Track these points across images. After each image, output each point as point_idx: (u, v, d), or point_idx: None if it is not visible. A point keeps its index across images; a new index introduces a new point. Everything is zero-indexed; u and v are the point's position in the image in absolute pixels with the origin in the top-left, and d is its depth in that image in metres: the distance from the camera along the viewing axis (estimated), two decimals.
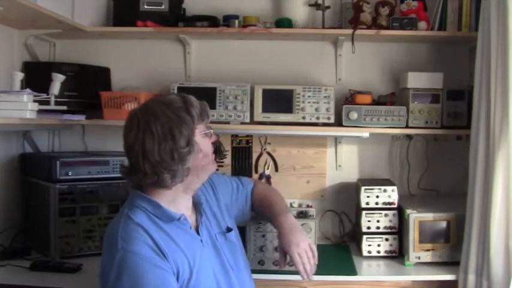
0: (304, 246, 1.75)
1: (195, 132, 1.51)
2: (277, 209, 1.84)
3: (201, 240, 1.59)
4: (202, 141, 1.54)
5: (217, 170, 2.75)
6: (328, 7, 2.55)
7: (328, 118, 2.44)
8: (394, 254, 2.35)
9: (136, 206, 1.52)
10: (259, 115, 2.46)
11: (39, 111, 2.18)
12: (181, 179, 1.51)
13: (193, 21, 2.58)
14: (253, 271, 2.11)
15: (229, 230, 1.72)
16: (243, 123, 2.47)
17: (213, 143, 1.61)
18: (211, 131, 1.59)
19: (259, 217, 2.05)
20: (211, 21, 2.58)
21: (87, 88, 2.55)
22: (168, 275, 1.42)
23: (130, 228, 1.45)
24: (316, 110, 2.44)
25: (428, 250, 2.25)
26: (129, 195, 1.59)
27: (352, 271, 2.20)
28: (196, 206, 1.64)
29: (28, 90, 2.13)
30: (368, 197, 2.37)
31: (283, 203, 1.93)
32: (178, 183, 1.52)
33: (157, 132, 1.46)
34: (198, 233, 1.60)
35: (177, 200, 1.56)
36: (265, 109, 2.46)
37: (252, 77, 2.59)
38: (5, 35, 2.45)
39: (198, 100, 1.57)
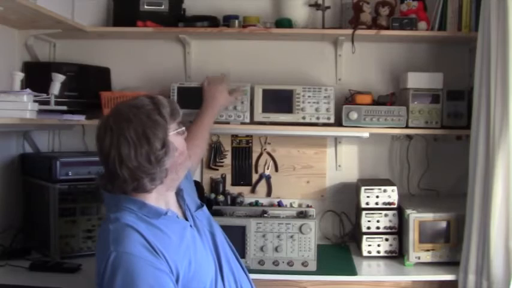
0: None
1: (168, 133, 1.51)
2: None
3: (191, 226, 1.60)
4: (177, 139, 1.54)
5: (217, 169, 2.78)
6: (328, 7, 2.55)
7: (328, 118, 2.44)
8: (394, 254, 2.35)
9: (123, 209, 1.50)
10: (259, 115, 2.46)
11: (39, 111, 2.18)
12: (161, 181, 1.51)
13: (193, 21, 2.58)
14: (253, 271, 2.12)
15: (202, 204, 1.76)
16: (243, 123, 2.47)
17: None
18: (184, 128, 1.59)
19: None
20: (211, 21, 2.58)
21: (87, 88, 2.55)
22: (162, 273, 1.41)
23: (120, 230, 1.44)
24: (316, 110, 2.44)
25: (428, 250, 2.25)
26: (112, 202, 1.55)
27: (352, 271, 2.20)
28: (178, 194, 1.66)
29: (28, 90, 2.13)
30: (368, 197, 2.37)
31: None
32: (158, 185, 1.52)
33: (132, 138, 1.44)
34: (186, 218, 1.62)
35: (162, 199, 1.57)
36: (265, 109, 2.46)
37: (252, 77, 2.59)
38: (5, 35, 2.45)
39: (167, 99, 1.57)
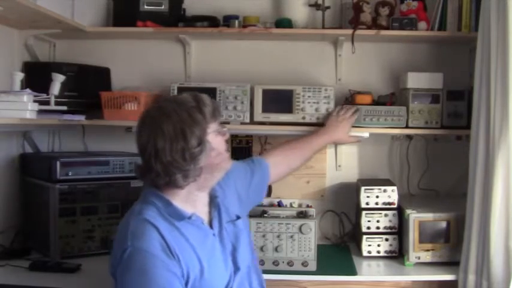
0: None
1: (207, 131, 1.51)
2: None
3: (214, 234, 1.59)
4: (215, 139, 1.54)
5: None
6: (328, 7, 2.55)
7: None
8: (394, 254, 2.35)
9: (149, 203, 1.52)
10: (259, 115, 2.46)
11: (39, 112, 2.19)
12: (194, 179, 1.51)
13: (193, 21, 2.58)
14: None
15: (238, 217, 1.71)
16: (243, 123, 2.47)
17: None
18: (225, 129, 1.60)
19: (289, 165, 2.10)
20: (211, 21, 2.58)
21: (87, 88, 2.55)
22: (173, 276, 1.42)
23: (140, 225, 1.46)
24: (316, 110, 2.44)
25: (428, 250, 2.25)
26: (142, 192, 1.59)
27: (352, 271, 2.20)
28: (212, 200, 1.64)
29: (28, 90, 2.13)
30: (368, 197, 2.37)
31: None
32: (191, 183, 1.52)
33: (169, 132, 1.45)
34: (211, 226, 1.60)
35: (191, 198, 1.57)
36: (265, 109, 2.45)
37: (252, 77, 2.59)
38: (5, 35, 2.45)
39: (210, 98, 1.57)
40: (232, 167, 1.76)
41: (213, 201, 1.64)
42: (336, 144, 2.60)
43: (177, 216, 1.52)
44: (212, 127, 1.53)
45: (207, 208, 1.63)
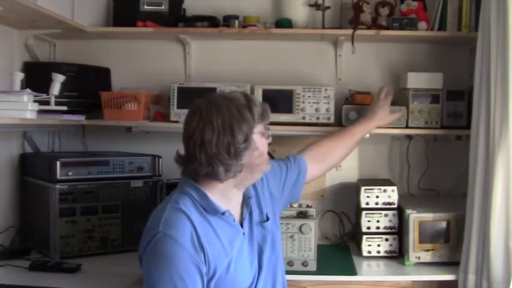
0: None
1: (253, 131, 1.53)
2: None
3: (244, 233, 1.61)
4: (259, 140, 1.57)
5: None
6: (328, 7, 2.55)
7: (328, 118, 2.44)
8: (394, 254, 2.35)
9: (185, 193, 1.55)
10: None
11: (39, 112, 2.19)
12: (234, 174, 1.53)
13: (193, 21, 2.58)
14: None
15: (267, 219, 1.72)
16: None
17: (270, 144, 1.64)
18: (269, 132, 1.62)
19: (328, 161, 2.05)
20: (211, 21, 2.58)
21: (87, 88, 2.55)
22: (195, 270, 1.45)
23: (175, 214, 1.49)
24: (316, 110, 2.44)
25: (428, 250, 2.25)
26: (180, 182, 1.62)
27: (352, 271, 2.20)
28: (245, 199, 1.66)
29: (28, 90, 2.13)
30: (368, 197, 2.37)
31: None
32: (230, 178, 1.54)
33: (218, 125, 1.48)
34: (242, 225, 1.62)
35: (227, 194, 1.59)
36: None
37: (252, 77, 2.59)
38: (5, 35, 2.45)
39: (261, 101, 1.60)
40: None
41: (246, 202, 1.66)
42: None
43: (211, 210, 1.54)
44: (259, 127, 1.56)
45: (239, 207, 1.65)
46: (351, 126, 2.18)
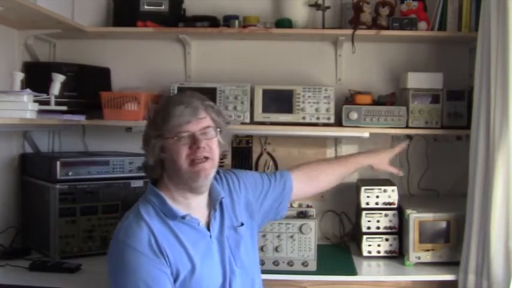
0: None
1: (152, 134, 1.57)
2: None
3: (210, 236, 1.60)
4: (172, 146, 1.53)
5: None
6: (328, 7, 2.55)
7: (328, 118, 2.44)
8: (394, 254, 2.35)
9: (147, 200, 1.58)
10: (259, 115, 2.46)
11: (39, 112, 2.18)
12: (160, 172, 1.59)
13: (193, 21, 2.58)
14: None
15: (241, 224, 1.70)
16: (243, 123, 2.47)
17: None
18: (184, 135, 1.53)
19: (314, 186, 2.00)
20: (211, 21, 2.58)
21: (87, 88, 2.55)
22: (159, 272, 1.47)
23: (134, 222, 1.52)
24: (316, 110, 2.44)
25: (428, 250, 2.25)
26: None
27: (352, 271, 2.20)
28: (213, 203, 1.65)
29: (28, 90, 2.13)
30: (368, 197, 2.37)
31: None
32: (165, 178, 1.59)
33: (147, 125, 1.63)
34: (209, 228, 1.61)
35: (184, 201, 1.59)
36: (265, 109, 2.46)
37: (252, 77, 2.59)
38: (5, 35, 2.45)
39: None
40: (249, 176, 1.81)
41: (214, 205, 1.65)
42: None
43: (170, 215, 1.56)
44: (167, 132, 1.53)
45: (206, 210, 1.64)
46: (346, 156, 2.21)
